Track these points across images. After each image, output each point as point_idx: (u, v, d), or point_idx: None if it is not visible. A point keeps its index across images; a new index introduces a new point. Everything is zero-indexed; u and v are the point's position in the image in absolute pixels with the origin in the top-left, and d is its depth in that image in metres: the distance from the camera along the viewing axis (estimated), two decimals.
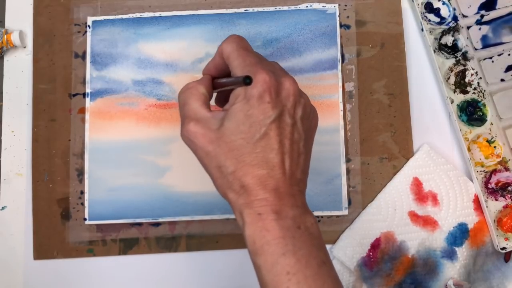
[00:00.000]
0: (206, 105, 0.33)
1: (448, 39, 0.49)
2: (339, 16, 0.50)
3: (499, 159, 0.48)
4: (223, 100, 0.38)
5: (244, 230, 0.31)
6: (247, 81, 0.29)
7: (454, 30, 0.49)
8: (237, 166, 0.31)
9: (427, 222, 0.48)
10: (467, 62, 0.49)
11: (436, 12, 0.50)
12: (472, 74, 0.49)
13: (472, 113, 0.48)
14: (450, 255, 0.47)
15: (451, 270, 0.47)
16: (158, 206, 0.48)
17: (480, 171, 0.48)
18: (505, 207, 0.48)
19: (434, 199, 0.48)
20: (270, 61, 0.34)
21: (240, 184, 0.31)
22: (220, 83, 0.34)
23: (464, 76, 0.49)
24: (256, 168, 0.31)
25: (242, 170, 0.31)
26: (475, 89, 0.49)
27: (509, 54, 0.49)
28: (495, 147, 0.48)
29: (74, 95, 0.50)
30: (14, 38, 0.49)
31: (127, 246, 0.48)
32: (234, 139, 0.31)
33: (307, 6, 0.50)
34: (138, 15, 0.50)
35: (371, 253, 0.47)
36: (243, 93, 0.31)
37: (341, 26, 0.50)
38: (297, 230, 0.30)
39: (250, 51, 0.34)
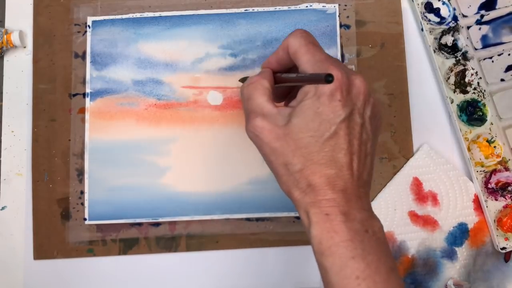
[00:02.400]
0: (271, 100, 0.33)
1: (448, 39, 0.49)
2: (339, 16, 0.50)
3: (499, 159, 0.48)
4: (279, 96, 0.37)
5: (310, 229, 0.30)
6: (329, 79, 0.28)
7: (454, 30, 0.49)
8: (305, 164, 0.30)
9: (427, 222, 0.48)
10: (467, 62, 0.49)
11: (436, 12, 0.50)
12: (472, 74, 0.49)
13: (472, 113, 0.48)
14: (450, 255, 0.47)
15: (451, 270, 0.47)
16: (158, 206, 0.48)
17: (480, 171, 0.48)
18: (505, 207, 0.48)
19: (434, 199, 0.48)
20: (337, 59, 0.33)
21: (307, 183, 0.30)
22: (289, 79, 0.33)
23: (464, 76, 0.49)
24: (324, 167, 0.30)
25: (310, 169, 0.30)
26: (475, 89, 0.49)
27: (509, 54, 0.49)
28: (495, 147, 0.48)
29: (74, 95, 0.50)
30: (14, 38, 0.49)
31: (127, 246, 0.48)
32: (302, 137, 0.30)
33: (307, 6, 0.50)
34: (138, 15, 0.50)
35: None
36: (313, 90, 0.30)
37: (341, 26, 0.50)
38: (365, 234, 0.30)
39: (318, 47, 0.33)
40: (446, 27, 0.50)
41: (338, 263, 0.29)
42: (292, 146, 0.30)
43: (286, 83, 0.34)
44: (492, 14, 0.49)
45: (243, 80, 0.46)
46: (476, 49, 0.49)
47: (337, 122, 0.30)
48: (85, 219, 0.48)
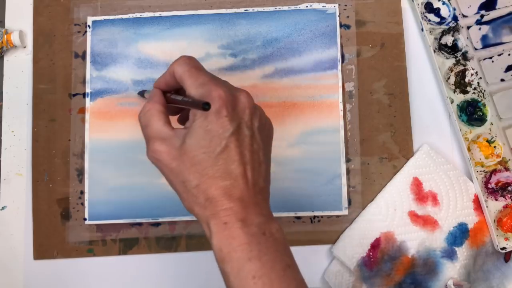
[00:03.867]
0: (168, 123, 0.34)
1: (448, 39, 0.49)
2: (339, 16, 0.50)
3: (499, 159, 0.48)
4: (185, 118, 0.39)
5: (211, 240, 0.32)
6: (205, 107, 0.30)
7: (454, 30, 0.49)
8: (200, 179, 0.32)
9: (427, 222, 0.48)
10: (467, 62, 0.49)
11: (436, 12, 0.50)
12: (472, 74, 0.49)
13: (472, 113, 0.48)
14: (450, 255, 0.47)
15: (451, 270, 0.47)
16: (158, 206, 0.48)
17: (480, 171, 0.48)
18: (505, 207, 0.48)
19: (434, 199, 0.48)
20: (221, 79, 0.35)
21: (205, 197, 0.32)
22: (176, 101, 0.36)
23: (464, 76, 0.49)
24: (220, 180, 0.32)
25: (206, 183, 0.32)
26: (475, 89, 0.49)
27: (509, 54, 0.49)
28: (495, 147, 0.48)
29: (74, 95, 0.50)
30: (14, 38, 0.49)
31: (127, 246, 0.48)
32: (196, 154, 0.32)
33: (307, 6, 0.50)
34: (138, 15, 0.50)
35: (371, 253, 0.47)
36: (200, 111, 0.32)
37: (341, 26, 0.50)
38: (262, 236, 0.31)
39: (201, 70, 0.35)
40: (446, 27, 0.50)
41: (236, 266, 0.31)
42: (187, 164, 0.32)
43: (175, 104, 0.36)
44: (492, 14, 0.49)
45: (141, 93, 0.47)
46: (476, 49, 0.49)
47: (226, 136, 0.32)
48: (85, 219, 0.48)
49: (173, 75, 0.35)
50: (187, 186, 0.32)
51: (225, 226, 0.31)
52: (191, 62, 0.35)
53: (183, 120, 0.40)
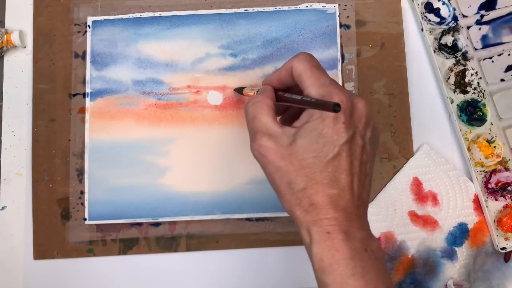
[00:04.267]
0: (276, 120, 0.33)
1: (448, 39, 0.49)
2: (339, 16, 0.50)
3: (499, 159, 0.48)
4: (289, 119, 0.38)
5: (311, 247, 0.31)
6: (336, 109, 0.29)
7: (454, 30, 0.49)
8: (308, 183, 0.31)
9: (427, 222, 0.48)
10: (467, 62, 0.49)
11: (436, 12, 0.50)
12: (472, 74, 0.49)
13: (472, 113, 0.48)
14: (450, 255, 0.47)
15: (451, 270, 0.47)
16: (158, 206, 0.48)
17: (480, 171, 0.48)
18: (505, 207, 0.48)
19: (434, 199, 0.48)
20: (339, 84, 0.34)
21: (309, 202, 0.31)
22: (294, 100, 0.34)
23: (464, 76, 0.49)
24: (327, 187, 0.31)
25: (313, 188, 0.31)
26: (475, 89, 0.49)
27: (509, 54, 0.49)
28: (495, 147, 0.48)
29: (74, 95, 0.50)
30: (14, 38, 0.49)
31: (127, 246, 0.48)
32: (306, 157, 0.31)
33: (307, 6, 0.50)
34: (138, 15, 0.50)
35: None
36: (318, 112, 0.32)
37: (341, 26, 0.50)
38: (364, 253, 0.31)
39: (322, 70, 0.34)
40: (446, 27, 0.50)
41: (339, 281, 0.30)
42: (296, 165, 0.31)
43: (289, 103, 0.35)
44: (492, 14, 0.49)
45: (238, 90, 0.46)
46: (476, 49, 0.49)
47: (340, 143, 0.31)
48: (85, 219, 0.48)
49: (290, 71, 0.34)
50: (293, 188, 0.32)
51: (328, 236, 0.30)
52: (312, 61, 0.34)
53: (285, 121, 0.39)
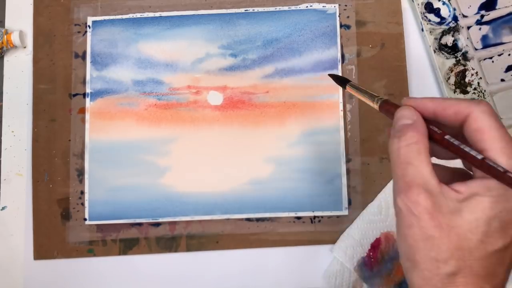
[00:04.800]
0: (433, 170, 0.27)
1: (448, 39, 0.49)
2: (339, 16, 0.50)
3: None
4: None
5: None
6: None
7: (454, 30, 0.49)
8: (461, 269, 0.26)
9: None
10: (467, 62, 0.49)
11: (436, 12, 0.50)
12: (472, 74, 0.49)
13: None
14: None
15: None
16: (158, 206, 0.48)
17: None
18: None
19: None
20: None
21: (450, 287, 0.26)
22: (464, 154, 0.27)
23: (464, 76, 0.49)
24: (482, 280, 0.26)
25: (465, 277, 0.26)
26: (475, 89, 0.49)
27: (509, 54, 0.49)
28: None
29: (74, 95, 0.50)
30: (14, 38, 0.49)
31: (127, 246, 0.48)
32: (470, 237, 0.26)
33: (307, 6, 0.50)
34: (138, 15, 0.50)
35: (371, 253, 0.47)
36: (500, 188, 0.26)
37: (341, 26, 0.50)
38: None
39: (509, 134, 0.28)
40: (446, 27, 0.50)
41: None
42: (453, 243, 0.26)
43: (451, 151, 0.27)
44: (492, 14, 0.49)
45: (338, 79, 0.38)
46: (476, 49, 0.49)
47: None
48: (85, 219, 0.48)
49: (460, 116, 0.27)
50: (440, 267, 0.26)
51: None
52: (498, 118, 0.27)
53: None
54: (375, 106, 0.33)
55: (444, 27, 0.50)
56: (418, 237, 0.26)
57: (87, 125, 0.49)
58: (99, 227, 0.48)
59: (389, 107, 0.31)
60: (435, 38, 0.50)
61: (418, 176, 0.26)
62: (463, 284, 0.26)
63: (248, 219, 0.48)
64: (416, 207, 0.26)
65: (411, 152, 0.27)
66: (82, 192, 0.48)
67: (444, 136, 0.27)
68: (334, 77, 0.38)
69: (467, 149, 0.26)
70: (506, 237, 0.26)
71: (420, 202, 0.26)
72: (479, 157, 0.26)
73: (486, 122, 0.27)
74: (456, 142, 0.27)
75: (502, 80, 0.49)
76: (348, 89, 0.36)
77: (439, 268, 0.26)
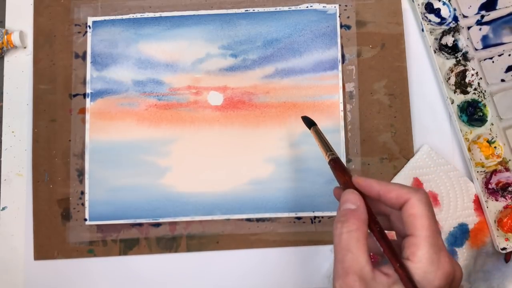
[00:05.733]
0: (369, 257, 0.30)
1: (448, 40, 0.49)
2: (339, 16, 0.50)
3: (499, 160, 0.48)
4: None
5: None
6: None
7: (455, 30, 0.49)
8: None
9: None
10: (468, 63, 0.49)
11: (437, 12, 0.50)
12: (472, 75, 0.49)
13: (472, 113, 0.48)
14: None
15: None
16: (158, 206, 0.48)
17: (481, 171, 0.48)
18: (506, 207, 0.48)
19: (435, 199, 0.48)
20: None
21: None
22: (388, 253, 0.30)
23: (464, 77, 0.49)
24: None
25: None
26: (475, 89, 0.49)
27: (509, 55, 0.49)
28: (495, 147, 0.48)
29: (74, 96, 0.50)
30: (15, 38, 0.49)
31: (128, 246, 0.48)
32: None
33: (307, 7, 0.50)
34: (138, 15, 0.50)
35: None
36: (421, 274, 0.29)
37: (341, 26, 0.50)
38: None
39: (438, 226, 0.31)
40: (447, 27, 0.50)
41: None
42: None
43: (379, 244, 0.31)
44: (493, 15, 0.49)
45: (307, 122, 0.41)
46: (476, 49, 0.49)
47: None
48: (85, 220, 0.48)
49: (400, 201, 0.31)
50: None
51: None
52: (433, 211, 0.31)
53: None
54: (326, 159, 0.36)
55: (444, 27, 0.50)
56: None
57: (87, 125, 0.49)
58: (99, 227, 0.48)
59: (336, 166, 0.35)
60: (435, 38, 0.50)
61: (355, 263, 0.29)
62: None
63: (248, 219, 0.48)
64: None
65: (351, 239, 0.30)
66: (83, 193, 0.48)
67: (378, 228, 0.31)
68: (304, 119, 0.42)
69: (389, 250, 0.30)
70: None
71: (354, 286, 0.29)
72: (397, 265, 0.29)
73: (420, 210, 0.30)
74: (383, 239, 0.30)
75: (502, 80, 0.49)
76: (312, 132, 0.40)
77: None
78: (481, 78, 0.49)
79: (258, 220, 0.48)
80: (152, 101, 0.49)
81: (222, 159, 0.48)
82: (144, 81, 0.49)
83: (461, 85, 0.49)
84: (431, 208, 0.30)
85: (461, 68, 0.49)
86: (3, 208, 0.49)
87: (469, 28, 0.49)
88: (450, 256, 0.30)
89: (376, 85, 0.50)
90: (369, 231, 0.31)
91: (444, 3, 0.50)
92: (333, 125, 0.48)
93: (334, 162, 0.35)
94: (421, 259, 0.29)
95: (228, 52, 0.49)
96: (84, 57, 0.50)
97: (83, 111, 0.49)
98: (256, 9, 0.50)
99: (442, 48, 0.49)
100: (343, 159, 0.48)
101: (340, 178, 0.34)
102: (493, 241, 0.47)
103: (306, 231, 0.48)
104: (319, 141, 0.38)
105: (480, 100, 0.49)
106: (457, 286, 0.31)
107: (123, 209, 0.48)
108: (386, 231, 0.31)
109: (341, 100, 0.49)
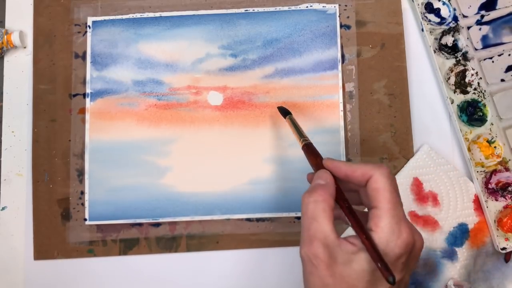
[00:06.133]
0: (334, 226, 0.31)
1: (448, 39, 0.49)
2: (339, 16, 0.50)
3: (499, 159, 0.48)
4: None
5: None
6: (390, 280, 0.28)
7: (454, 30, 0.49)
8: None
9: (428, 222, 0.48)
10: (467, 62, 0.49)
11: (436, 12, 0.50)
12: (472, 74, 0.49)
13: (472, 113, 0.48)
14: (450, 255, 0.47)
15: (451, 270, 0.47)
16: (158, 206, 0.48)
17: (480, 171, 0.48)
18: (505, 207, 0.48)
19: (435, 199, 0.48)
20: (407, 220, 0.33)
21: None
22: (354, 224, 0.31)
23: (464, 76, 0.49)
24: None
25: None
26: (475, 89, 0.49)
27: (509, 54, 0.49)
28: (495, 147, 0.48)
29: (74, 96, 0.50)
30: (14, 38, 0.49)
31: (128, 246, 0.48)
32: (357, 284, 0.30)
33: (307, 7, 0.50)
34: (138, 15, 0.50)
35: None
36: (384, 239, 0.30)
37: (341, 26, 0.50)
38: None
39: (400, 198, 0.32)
40: (447, 27, 0.50)
41: None
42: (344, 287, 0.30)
43: (346, 216, 0.32)
44: (493, 15, 0.49)
45: (283, 111, 0.45)
46: (476, 49, 0.49)
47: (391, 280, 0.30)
48: (85, 220, 0.48)
49: (365, 177, 0.32)
50: None
51: None
52: (395, 182, 0.32)
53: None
54: (300, 144, 0.39)
55: (444, 27, 0.50)
56: (317, 283, 0.31)
57: (87, 125, 0.49)
58: (99, 227, 0.48)
59: (309, 150, 0.37)
60: (435, 38, 0.50)
61: (319, 231, 0.31)
62: None
63: (248, 219, 0.48)
64: (315, 258, 0.30)
65: (317, 208, 0.31)
66: (82, 192, 0.48)
67: (346, 204, 0.33)
68: (280, 109, 0.46)
69: (358, 221, 0.31)
70: (384, 283, 0.30)
71: (319, 255, 0.30)
72: (362, 229, 0.31)
73: (382, 184, 0.31)
74: (350, 209, 0.32)
75: (502, 80, 0.49)
76: (287, 120, 0.43)
77: None
78: (481, 78, 0.49)
79: (258, 220, 0.48)
80: (152, 101, 0.49)
81: (222, 159, 0.48)
82: (144, 81, 0.49)
83: (461, 85, 0.49)
84: (393, 182, 0.32)
85: (461, 68, 0.49)
86: (3, 208, 0.49)
87: (469, 28, 0.50)
88: (411, 226, 0.32)
89: (376, 85, 0.50)
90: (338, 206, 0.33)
91: (444, 3, 0.50)
92: (333, 125, 0.48)
93: (307, 147, 0.38)
94: (383, 229, 0.30)
95: (228, 52, 0.49)
96: (84, 57, 0.50)
97: (83, 111, 0.49)
98: (256, 9, 0.50)
99: (442, 48, 0.49)
100: (343, 159, 0.48)
101: (312, 161, 0.36)
102: (493, 241, 0.47)
103: None
104: (294, 129, 0.41)
105: (480, 100, 0.49)
106: (418, 254, 0.32)
107: (123, 209, 0.48)
108: (355, 206, 0.33)
109: (341, 100, 0.49)
